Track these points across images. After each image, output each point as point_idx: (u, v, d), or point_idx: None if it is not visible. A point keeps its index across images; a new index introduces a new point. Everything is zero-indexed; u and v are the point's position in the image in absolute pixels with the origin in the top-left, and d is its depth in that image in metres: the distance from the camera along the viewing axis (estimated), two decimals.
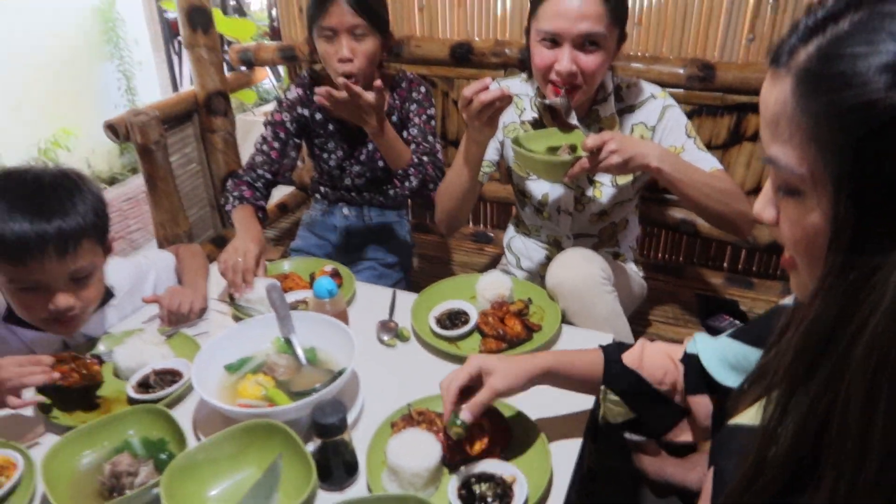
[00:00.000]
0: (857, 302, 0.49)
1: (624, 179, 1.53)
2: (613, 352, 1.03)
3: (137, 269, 1.46)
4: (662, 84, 1.90)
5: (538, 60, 1.39)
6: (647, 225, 2.13)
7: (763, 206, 0.60)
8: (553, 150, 1.39)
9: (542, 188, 1.61)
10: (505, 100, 1.27)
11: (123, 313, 1.41)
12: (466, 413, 0.95)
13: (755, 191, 1.98)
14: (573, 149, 1.36)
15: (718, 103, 1.91)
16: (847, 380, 0.49)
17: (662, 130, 1.47)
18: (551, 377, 1.01)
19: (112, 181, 4.25)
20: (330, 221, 1.95)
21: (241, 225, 1.60)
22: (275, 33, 4.66)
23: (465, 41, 2.17)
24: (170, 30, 4.79)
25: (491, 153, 1.61)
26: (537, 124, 1.56)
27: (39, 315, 1.17)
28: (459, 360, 1.25)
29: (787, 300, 0.86)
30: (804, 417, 0.53)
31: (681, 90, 1.92)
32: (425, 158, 1.66)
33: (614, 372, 1.00)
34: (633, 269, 1.71)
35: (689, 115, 1.93)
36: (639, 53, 2.02)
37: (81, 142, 4.08)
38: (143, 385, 1.17)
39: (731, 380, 0.88)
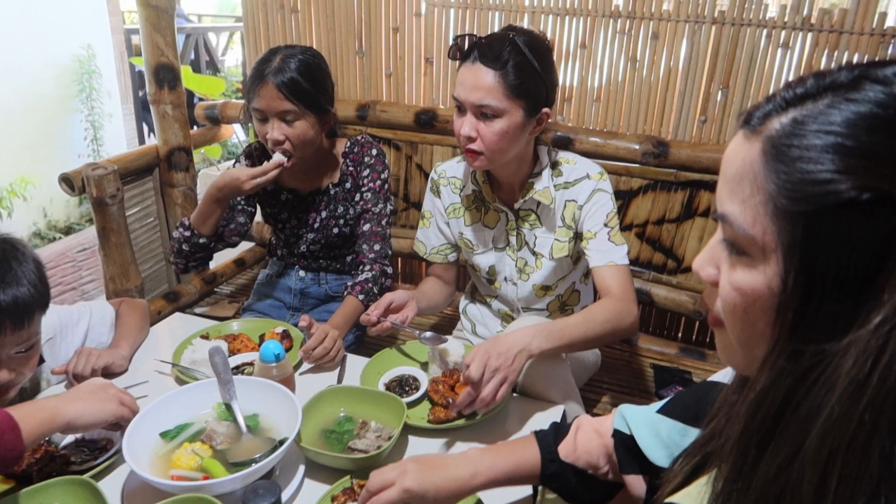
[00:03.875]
0: (807, 386, 0.49)
1: (560, 253, 1.55)
2: (549, 445, 0.99)
3: (65, 316, 1.40)
4: (619, 159, 1.98)
5: (454, 128, 1.47)
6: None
7: (704, 263, 0.58)
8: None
9: (487, 260, 1.64)
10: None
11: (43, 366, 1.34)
12: None
13: None
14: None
15: (672, 179, 1.97)
16: (799, 466, 0.49)
17: (587, 211, 1.52)
18: (489, 488, 0.98)
19: (68, 231, 4.16)
20: (285, 283, 1.93)
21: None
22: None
23: (429, 108, 2.22)
24: (140, 83, 4.81)
25: (443, 238, 1.69)
26: (477, 197, 1.62)
27: None
28: (408, 428, 1.22)
29: (716, 376, 0.86)
30: (755, 501, 0.52)
31: (636, 165, 1.98)
32: (371, 276, 1.70)
33: (550, 472, 0.97)
34: None
35: (644, 189, 2.00)
36: (597, 128, 2.09)
37: (40, 191, 4.01)
38: (68, 455, 1.10)
39: (663, 459, 0.87)
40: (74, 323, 1.40)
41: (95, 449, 1.12)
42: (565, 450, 0.98)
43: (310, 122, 1.63)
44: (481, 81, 1.37)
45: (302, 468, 1.10)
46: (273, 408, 1.16)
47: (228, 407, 1.17)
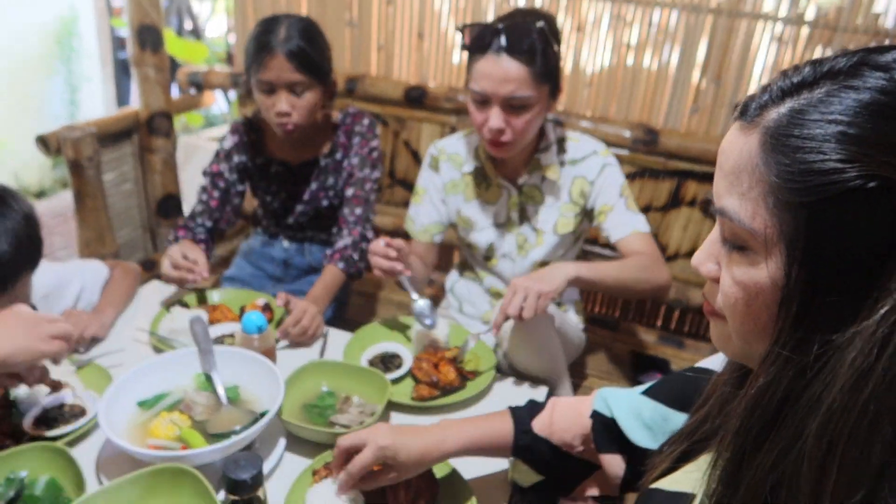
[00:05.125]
0: (808, 377, 0.48)
1: (565, 228, 1.55)
2: (523, 418, 0.98)
3: (58, 274, 1.36)
4: (608, 144, 1.97)
5: (474, 118, 1.44)
6: None
7: (704, 259, 0.58)
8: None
9: (487, 237, 1.62)
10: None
11: None
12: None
13: (689, 253, 2.04)
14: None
15: (660, 167, 1.97)
16: (796, 457, 0.49)
17: (600, 186, 1.52)
18: (460, 454, 0.97)
19: (41, 195, 4.04)
20: (269, 252, 1.90)
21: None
22: (231, 60, 4.61)
23: (419, 85, 2.18)
24: (120, 47, 4.67)
25: (436, 216, 1.66)
26: (479, 173, 1.59)
27: None
28: (391, 405, 1.20)
29: (704, 363, 0.86)
30: (754, 490, 0.52)
31: (625, 151, 1.98)
32: (351, 241, 1.66)
33: (522, 444, 0.97)
34: (574, 320, 1.72)
35: (633, 177, 2.00)
36: (588, 113, 2.08)
37: (14, 153, 3.88)
38: (43, 420, 1.07)
39: (645, 440, 0.87)
40: (68, 281, 1.37)
41: (71, 416, 1.08)
42: (540, 424, 0.97)
43: (317, 92, 1.60)
44: (511, 74, 1.35)
45: (283, 441, 1.08)
46: (254, 380, 1.14)
47: (208, 377, 1.14)
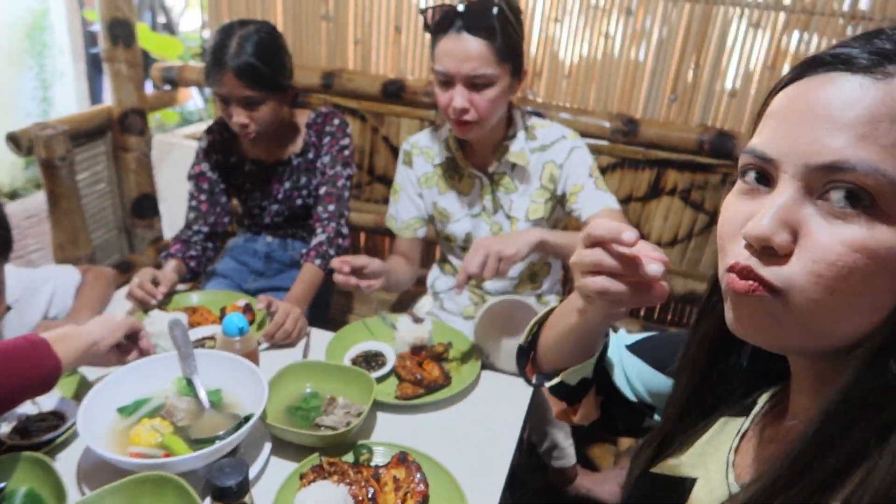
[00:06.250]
0: None
1: (536, 214, 1.55)
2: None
3: (30, 278, 1.34)
4: (588, 135, 1.97)
5: (439, 100, 1.44)
6: (568, 268, 2.16)
7: (777, 228, 0.48)
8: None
9: (463, 227, 1.63)
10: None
11: (6, 329, 1.29)
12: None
13: (671, 243, 2.05)
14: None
15: (640, 157, 1.98)
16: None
17: (569, 168, 1.53)
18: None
19: (13, 196, 3.96)
20: (251, 247, 1.90)
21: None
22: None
23: (397, 79, 2.16)
24: (93, 41, 4.58)
25: (415, 211, 1.66)
26: (451, 164, 1.60)
27: None
28: (376, 404, 1.19)
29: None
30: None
31: (605, 142, 1.98)
32: (326, 238, 1.65)
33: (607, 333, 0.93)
34: None
35: (613, 168, 2.00)
36: (566, 104, 2.08)
37: None
38: (21, 430, 1.04)
39: (624, 386, 0.85)
40: (39, 287, 1.35)
41: (49, 425, 1.06)
42: None
43: (272, 104, 1.59)
44: (472, 51, 1.35)
45: (268, 445, 1.07)
46: (237, 383, 1.12)
47: (189, 382, 1.12)
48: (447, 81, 1.40)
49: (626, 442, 1.76)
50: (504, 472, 1.10)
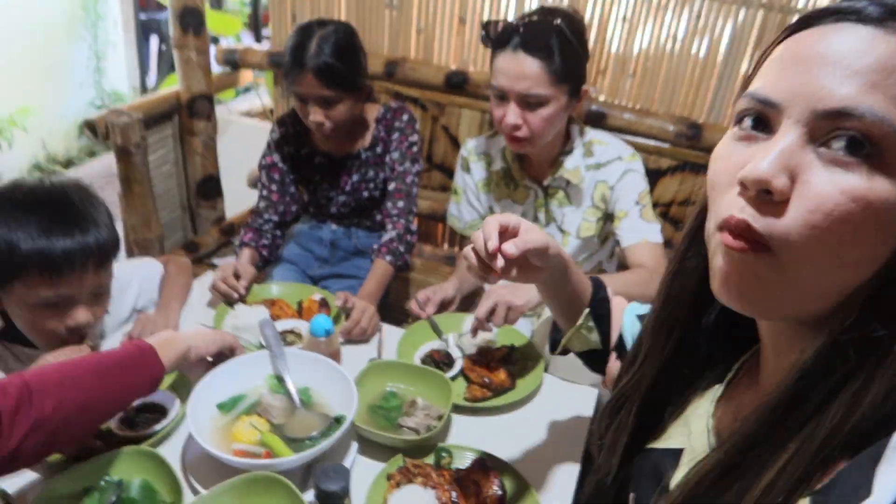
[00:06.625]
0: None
1: (587, 232, 1.58)
2: (600, 283, 1.02)
3: (119, 274, 1.39)
4: (651, 137, 1.97)
5: (494, 113, 1.46)
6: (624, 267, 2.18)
7: (777, 171, 0.47)
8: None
9: None
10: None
11: (103, 324, 1.37)
12: (510, 246, 0.82)
13: None
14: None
15: (702, 162, 1.97)
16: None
17: (619, 191, 1.54)
18: (562, 270, 0.93)
19: (68, 164, 4.07)
20: (317, 234, 1.96)
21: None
22: (253, 26, 4.56)
23: (460, 70, 2.18)
24: (141, 8, 4.62)
25: (476, 213, 1.71)
26: (506, 173, 1.63)
27: (56, 331, 1.14)
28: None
29: None
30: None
31: (667, 145, 1.98)
32: (396, 234, 1.71)
33: (600, 297, 1.00)
34: None
35: (674, 170, 2.01)
36: (630, 105, 2.07)
37: (40, 122, 3.89)
38: (128, 422, 1.11)
39: None
40: (128, 282, 1.43)
41: (151, 416, 1.13)
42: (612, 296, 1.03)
43: (348, 103, 1.63)
44: (527, 71, 1.36)
45: (355, 445, 1.13)
46: (323, 382, 1.18)
47: (280, 379, 1.18)
48: (502, 97, 1.42)
49: None
50: (574, 478, 1.14)
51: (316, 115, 1.60)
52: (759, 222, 0.48)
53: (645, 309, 0.93)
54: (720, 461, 0.53)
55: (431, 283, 2.23)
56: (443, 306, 1.51)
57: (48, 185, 1.16)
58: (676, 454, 0.66)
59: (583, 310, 1.00)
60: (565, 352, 1.08)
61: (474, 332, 1.35)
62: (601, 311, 1.00)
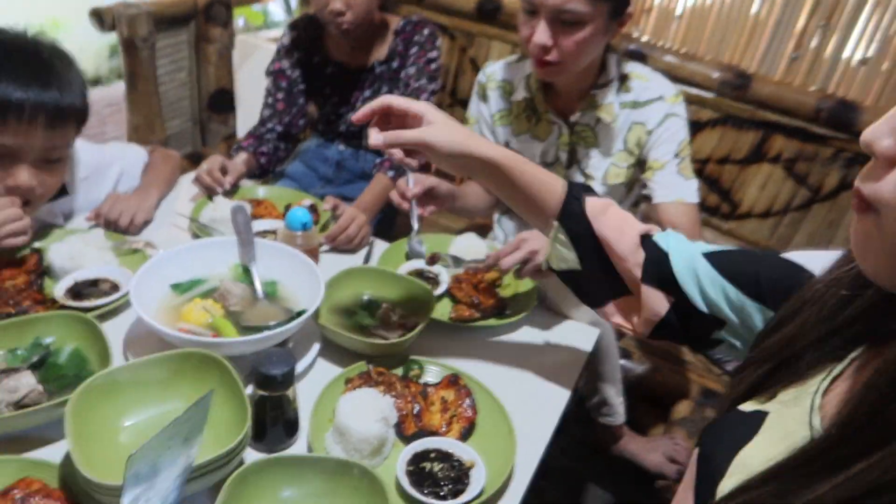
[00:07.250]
0: None
1: (616, 179, 1.42)
2: (577, 190, 0.88)
3: (100, 155, 1.34)
4: (693, 84, 1.80)
5: (521, 31, 1.28)
6: None
7: (884, 133, 0.46)
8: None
9: None
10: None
11: (76, 202, 1.29)
12: (376, 135, 0.82)
13: (764, 214, 1.89)
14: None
15: (747, 116, 1.80)
16: None
17: (657, 138, 1.36)
18: (493, 175, 0.86)
19: (96, 82, 4.01)
20: (323, 153, 1.86)
21: None
22: None
23: None
24: None
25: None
26: (529, 104, 1.45)
27: None
28: (430, 322, 1.13)
29: (793, 255, 0.76)
30: None
31: (710, 95, 1.81)
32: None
33: (571, 210, 0.86)
34: None
35: (714, 123, 1.84)
36: (674, 48, 1.91)
37: (70, 38, 3.83)
38: (75, 292, 1.03)
39: (695, 295, 0.79)
40: (108, 164, 1.35)
41: (103, 291, 1.04)
42: (591, 206, 0.86)
43: None
44: None
45: (317, 346, 1.02)
46: (293, 277, 1.07)
47: (246, 269, 1.08)
48: (532, 10, 1.23)
49: (679, 410, 1.66)
50: (557, 416, 1.02)
51: (335, 3, 1.50)
52: (865, 184, 0.48)
53: (711, 248, 0.81)
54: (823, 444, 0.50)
55: (439, 224, 2.12)
56: (431, 201, 1.31)
57: (25, 37, 1.09)
58: (759, 415, 0.59)
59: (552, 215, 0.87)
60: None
61: (488, 269, 1.20)
62: (577, 230, 0.86)
